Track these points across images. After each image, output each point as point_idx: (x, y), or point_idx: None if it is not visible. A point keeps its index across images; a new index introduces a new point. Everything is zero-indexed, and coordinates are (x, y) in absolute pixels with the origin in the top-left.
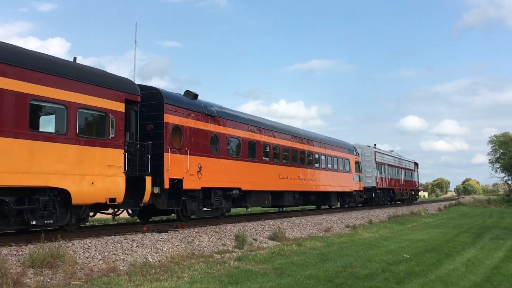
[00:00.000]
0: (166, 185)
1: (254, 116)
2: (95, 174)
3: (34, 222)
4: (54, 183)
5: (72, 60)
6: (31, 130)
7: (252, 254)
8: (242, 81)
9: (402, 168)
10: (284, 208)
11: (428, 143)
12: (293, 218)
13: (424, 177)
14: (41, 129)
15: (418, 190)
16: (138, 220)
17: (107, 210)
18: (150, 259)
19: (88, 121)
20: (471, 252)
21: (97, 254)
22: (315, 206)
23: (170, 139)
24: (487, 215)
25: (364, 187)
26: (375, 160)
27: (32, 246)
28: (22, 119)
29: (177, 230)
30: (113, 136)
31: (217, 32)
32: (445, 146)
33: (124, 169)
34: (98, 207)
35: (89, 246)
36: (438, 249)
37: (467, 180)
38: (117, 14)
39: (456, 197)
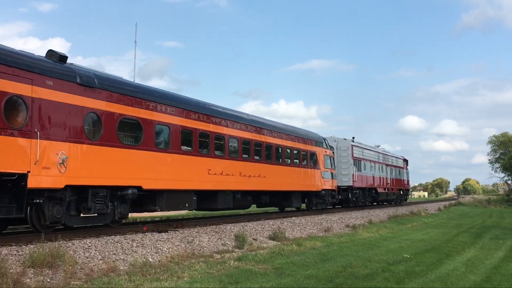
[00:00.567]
0: None
1: (167, 91)
2: None
3: None
4: None
5: None
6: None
7: (252, 254)
8: (242, 81)
9: (388, 165)
10: (251, 211)
11: (428, 143)
12: (293, 218)
13: (424, 177)
14: None
15: (408, 190)
16: (138, 220)
17: None
18: (150, 259)
19: None
20: (471, 252)
21: (97, 254)
22: (277, 209)
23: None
24: (487, 215)
25: (338, 186)
26: (353, 155)
27: (32, 246)
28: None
29: (177, 230)
30: None
31: (217, 32)
32: (445, 146)
33: None
34: None
35: (89, 246)
36: (438, 249)
37: (467, 180)
38: (117, 14)
39: (456, 197)
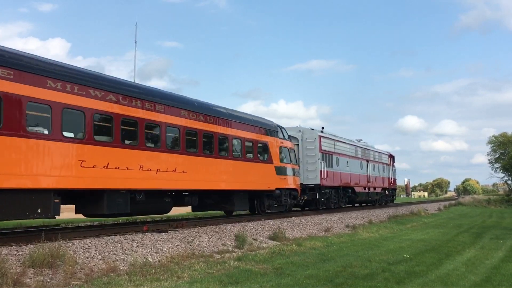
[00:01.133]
0: None
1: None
2: None
3: None
4: None
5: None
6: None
7: (252, 254)
8: (241, 81)
9: (369, 161)
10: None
11: (428, 143)
12: (293, 218)
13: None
14: None
15: (395, 189)
16: (138, 220)
17: None
18: (150, 259)
19: None
20: (471, 252)
21: (97, 254)
22: (223, 212)
23: None
24: (487, 215)
25: (304, 184)
26: (321, 148)
27: (32, 246)
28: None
29: (177, 230)
30: None
31: (217, 32)
32: (444, 146)
33: None
34: None
35: (89, 246)
36: (438, 249)
37: (467, 180)
38: (117, 14)
39: (456, 197)
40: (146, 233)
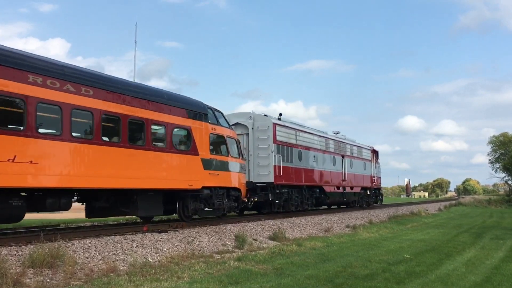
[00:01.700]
0: None
1: None
2: None
3: None
4: None
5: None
6: None
7: (252, 254)
8: (241, 81)
9: (345, 156)
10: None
11: (427, 143)
12: (293, 218)
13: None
14: None
15: (379, 189)
16: (138, 220)
17: None
18: (150, 259)
19: None
20: (471, 252)
21: (97, 254)
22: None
23: None
24: (487, 215)
25: (255, 183)
26: (275, 138)
27: (32, 246)
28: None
29: (177, 230)
30: None
31: (217, 32)
32: (444, 146)
33: None
34: None
35: (89, 246)
36: (438, 249)
37: (467, 180)
38: (117, 14)
39: (456, 197)
40: (146, 233)
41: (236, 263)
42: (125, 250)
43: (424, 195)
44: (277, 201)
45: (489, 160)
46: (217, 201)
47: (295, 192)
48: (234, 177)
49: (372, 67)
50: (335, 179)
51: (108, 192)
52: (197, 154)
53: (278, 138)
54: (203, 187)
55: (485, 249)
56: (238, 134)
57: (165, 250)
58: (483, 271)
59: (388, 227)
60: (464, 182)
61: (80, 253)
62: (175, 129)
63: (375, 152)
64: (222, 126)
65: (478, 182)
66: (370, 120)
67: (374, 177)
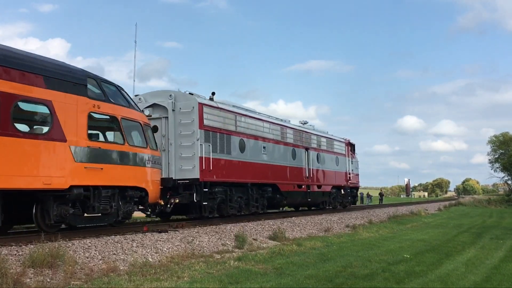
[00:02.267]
0: None
1: None
2: None
3: None
4: None
5: None
6: None
7: (252, 254)
8: (240, 81)
9: (309, 148)
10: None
11: (427, 143)
12: (293, 218)
13: (424, 177)
14: None
15: (357, 188)
16: (138, 220)
17: None
18: (150, 259)
19: None
20: (471, 252)
21: (97, 254)
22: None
23: None
24: (487, 215)
25: (176, 180)
26: (202, 123)
27: (32, 246)
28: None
29: (177, 230)
30: None
31: (216, 33)
32: (443, 146)
33: None
34: None
35: (89, 246)
36: (438, 249)
37: (467, 180)
38: (117, 15)
39: (456, 197)
40: (146, 233)
41: (236, 263)
42: (125, 250)
43: (424, 195)
44: (205, 203)
45: (489, 160)
46: (99, 205)
47: (237, 192)
48: (137, 173)
49: (371, 67)
50: (296, 175)
51: None
52: (63, 140)
53: (206, 122)
54: (72, 186)
55: (485, 249)
56: (155, 118)
57: (165, 250)
58: (483, 271)
59: (388, 227)
60: (463, 182)
61: (80, 253)
62: (19, 103)
63: (351, 145)
64: (116, 104)
65: (477, 182)
66: (370, 120)
67: (349, 174)
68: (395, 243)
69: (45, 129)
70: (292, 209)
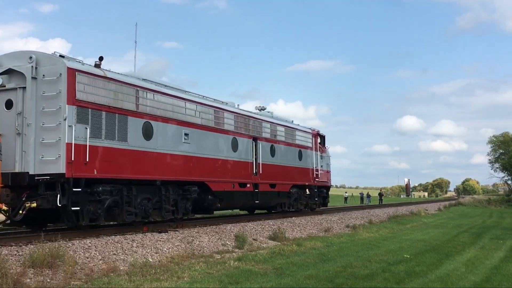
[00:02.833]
0: None
1: None
2: None
3: None
4: None
5: None
6: None
7: (252, 254)
8: (240, 82)
9: (258, 138)
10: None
11: (426, 143)
12: (293, 218)
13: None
14: None
15: (328, 187)
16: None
17: None
18: (150, 259)
19: None
20: (471, 252)
21: (97, 254)
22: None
23: None
24: (487, 215)
25: (33, 176)
26: (74, 97)
27: (32, 246)
28: None
29: (177, 230)
30: None
31: (216, 33)
32: (443, 147)
33: None
34: None
35: (89, 246)
36: (438, 249)
37: (467, 180)
38: (117, 15)
39: (456, 197)
40: (146, 234)
41: (236, 263)
42: (125, 250)
43: (424, 195)
44: (77, 208)
45: (489, 160)
46: None
47: (142, 193)
48: None
49: (371, 67)
50: (238, 172)
51: None
52: None
53: (82, 96)
54: None
55: (485, 249)
56: (10, 89)
57: (165, 250)
58: (483, 271)
59: (388, 227)
60: (463, 182)
61: (80, 253)
62: None
63: (319, 137)
64: None
65: (477, 182)
66: (369, 121)
67: (318, 170)
68: (395, 243)
69: None
70: (245, 212)
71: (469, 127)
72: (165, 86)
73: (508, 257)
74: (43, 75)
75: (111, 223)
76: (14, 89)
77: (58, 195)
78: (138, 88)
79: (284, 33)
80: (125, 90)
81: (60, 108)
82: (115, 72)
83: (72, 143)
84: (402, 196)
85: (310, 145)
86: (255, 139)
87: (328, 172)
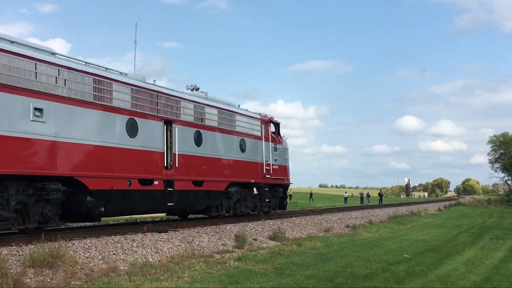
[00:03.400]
0: None
1: None
2: None
3: None
4: None
5: None
6: None
7: (252, 254)
8: (240, 82)
9: (173, 121)
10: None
11: (426, 143)
12: (293, 218)
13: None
14: None
15: (286, 186)
16: (138, 220)
17: None
18: (150, 259)
19: None
20: (471, 252)
21: (97, 254)
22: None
23: None
24: (487, 215)
25: None
26: None
27: (32, 246)
28: None
29: (177, 230)
30: None
31: (216, 33)
32: (443, 147)
33: None
34: None
35: (89, 246)
36: (438, 249)
37: (467, 180)
38: (117, 15)
39: (456, 197)
40: (146, 233)
41: (236, 263)
42: (125, 250)
43: (424, 195)
44: None
45: (489, 160)
46: None
47: None
48: None
49: (371, 67)
50: (138, 164)
51: None
52: None
53: None
54: None
55: (485, 249)
56: None
57: (165, 250)
58: (483, 271)
59: (388, 227)
60: (463, 182)
61: (81, 253)
62: None
63: (274, 125)
64: None
65: (477, 182)
66: (369, 121)
67: (270, 165)
68: (395, 243)
69: None
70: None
71: (468, 127)
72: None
73: (508, 257)
74: None
75: None
76: None
77: None
78: None
79: (284, 33)
80: None
81: None
82: None
83: None
84: (402, 196)
85: (258, 134)
86: (168, 122)
87: (286, 167)
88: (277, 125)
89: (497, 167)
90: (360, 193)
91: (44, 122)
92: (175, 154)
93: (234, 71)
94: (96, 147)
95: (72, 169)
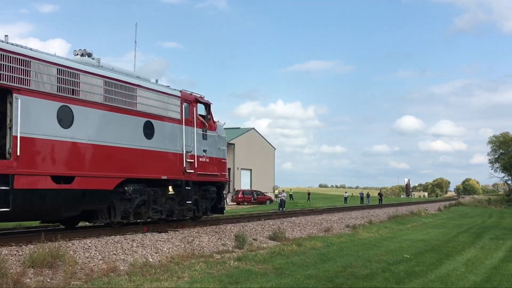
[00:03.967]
0: None
1: None
2: None
3: None
4: None
5: None
6: None
7: (252, 254)
8: (239, 82)
9: (15, 89)
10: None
11: (426, 143)
12: (293, 218)
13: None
14: None
15: (222, 184)
16: (138, 221)
17: None
18: (150, 259)
19: None
20: (471, 252)
21: (97, 254)
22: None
23: None
24: (487, 215)
25: None
26: None
27: (32, 246)
28: None
29: (177, 230)
30: None
31: (216, 33)
32: (443, 147)
33: None
34: None
35: (89, 246)
36: (438, 249)
37: (466, 180)
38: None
39: (456, 197)
40: (146, 233)
41: (236, 263)
42: (125, 250)
43: (424, 195)
44: None
45: (489, 160)
46: None
47: None
48: None
49: (370, 68)
50: None
51: None
52: None
53: None
54: None
55: (485, 249)
56: None
57: (165, 250)
58: (483, 271)
59: (388, 227)
60: (463, 182)
61: (81, 253)
62: None
63: (199, 104)
64: None
65: (477, 182)
66: (369, 121)
67: (195, 157)
68: (395, 243)
69: None
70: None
71: (468, 127)
72: None
73: (508, 257)
74: None
75: None
76: None
77: None
78: None
79: (284, 33)
80: None
81: None
82: None
83: None
84: (402, 196)
85: (177, 116)
86: (5, 91)
87: (222, 161)
88: (208, 106)
89: (497, 167)
90: (360, 193)
91: None
92: (15, 136)
93: (234, 71)
94: None
95: None
